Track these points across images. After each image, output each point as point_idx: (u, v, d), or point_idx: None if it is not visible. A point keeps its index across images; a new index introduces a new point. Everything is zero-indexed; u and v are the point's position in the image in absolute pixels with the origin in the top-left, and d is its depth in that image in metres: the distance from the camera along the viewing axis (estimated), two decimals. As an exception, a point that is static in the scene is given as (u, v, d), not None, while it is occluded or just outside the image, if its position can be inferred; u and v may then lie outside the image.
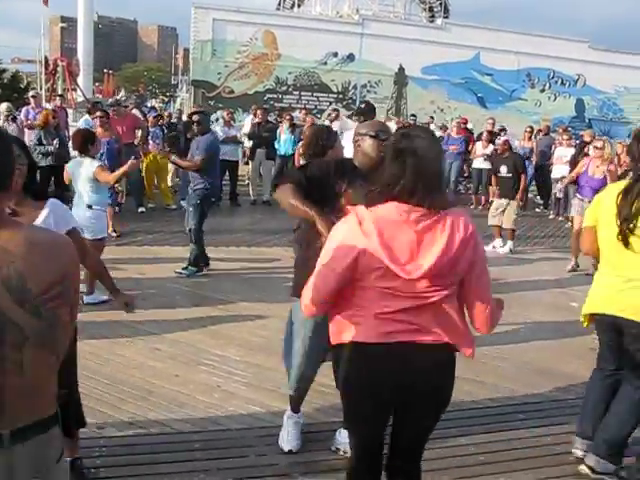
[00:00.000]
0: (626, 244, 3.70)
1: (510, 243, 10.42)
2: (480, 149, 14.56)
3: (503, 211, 10.36)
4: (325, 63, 23.94)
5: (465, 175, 16.76)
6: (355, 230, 2.59)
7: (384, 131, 3.69)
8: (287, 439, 4.13)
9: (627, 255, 3.73)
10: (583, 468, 4.01)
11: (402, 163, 2.58)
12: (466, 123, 17.35)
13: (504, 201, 10.42)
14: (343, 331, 2.75)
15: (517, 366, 5.76)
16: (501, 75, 25.80)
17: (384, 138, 3.51)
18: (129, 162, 7.15)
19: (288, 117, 14.13)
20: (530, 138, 15.55)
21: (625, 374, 3.99)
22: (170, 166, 12.50)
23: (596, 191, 8.11)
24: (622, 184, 3.88)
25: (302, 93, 23.59)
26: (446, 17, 33.83)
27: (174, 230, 10.20)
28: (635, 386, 3.90)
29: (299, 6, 37.03)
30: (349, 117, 8.01)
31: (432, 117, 20.42)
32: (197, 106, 18.50)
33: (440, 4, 37.54)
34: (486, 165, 13.68)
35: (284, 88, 23.60)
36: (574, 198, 9.82)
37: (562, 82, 26.95)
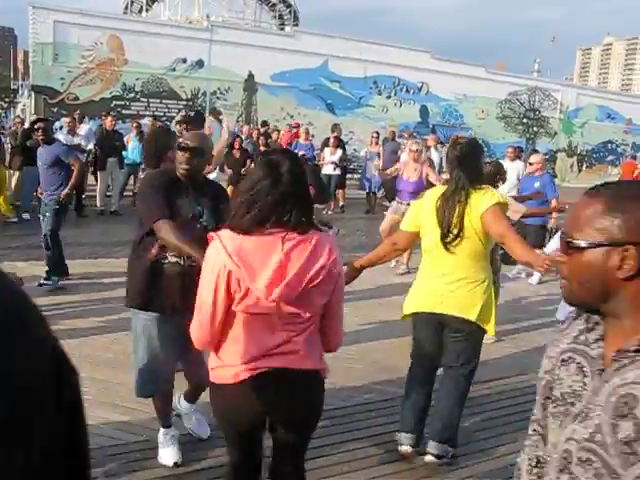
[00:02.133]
0: (447, 248, 3.95)
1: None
2: (328, 156, 14.85)
3: None
4: (174, 69, 23.53)
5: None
6: (220, 255, 2.54)
7: (192, 144, 3.69)
8: (168, 455, 4.06)
9: (449, 257, 3.99)
10: (429, 457, 4.24)
11: (268, 184, 2.55)
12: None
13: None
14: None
15: (366, 365, 5.93)
16: (349, 82, 26.49)
17: (186, 148, 3.63)
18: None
19: (135, 125, 13.79)
20: (377, 143, 16.05)
21: (447, 366, 4.27)
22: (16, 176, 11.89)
23: (413, 194, 8.48)
24: (441, 189, 4.13)
25: (150, 100, 23.02)
26: (296, 24, 34.38)
27: (13, 245, 9.67)
28: (459, 374, 4.19)
29: (147, 11, 36.29)
30: (177, 124, 7.90)
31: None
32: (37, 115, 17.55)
33: (290, 12, 38.11)
34: (336, 172, 13.93)
35: (132, 95, 22.98)
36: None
37: (407, 89, 28.10)
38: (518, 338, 7.21)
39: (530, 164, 9.68)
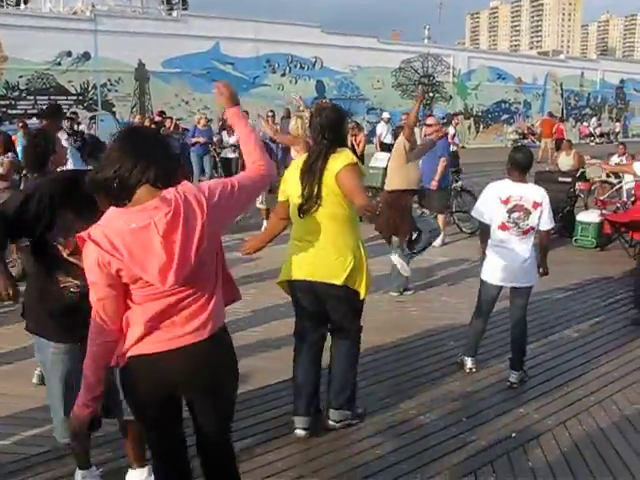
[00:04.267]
0: (308, 213, 4.00)
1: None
2: (227, 138, 14.67)
3: None
4: (59, 64, 22.61)
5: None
6: (98, 255, 2.42)
7: None
8: None
9: (313, 223, 4.01)
10: (330, 423, 4.33)
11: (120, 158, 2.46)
12: None
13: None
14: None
15: (248, 354, 5.82)
16: (242, 63, 26.22)
17: None
18: None
19: (21, 124, 13.23)
20: (273, 122, 15.94)
21: (332, 333, 4.33)
22: None
23: None
24: (304, 157, 4.15)
25: (38, 97, 22.01)
26: (185, 9, 33.65)
27: None
28: (344, 339, 4.27)
29: (26, 2, 34.69)
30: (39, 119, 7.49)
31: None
32: None
33: (178, -4, 37.26)
34: (235, 154, 13.81)
35: (16, 93, 21.99)
36: None
37: (301, 66, 28.06)
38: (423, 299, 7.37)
39: (428, 125, 9.87)
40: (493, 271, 5.20)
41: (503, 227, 5.07)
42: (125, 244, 2.39)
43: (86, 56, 23.01)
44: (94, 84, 23.34)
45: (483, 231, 5.37)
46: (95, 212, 2.65)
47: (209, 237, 2.50)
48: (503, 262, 5.12)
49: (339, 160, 3.97)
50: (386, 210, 7.32)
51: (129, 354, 2.59)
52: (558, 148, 14.02)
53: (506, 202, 5.04)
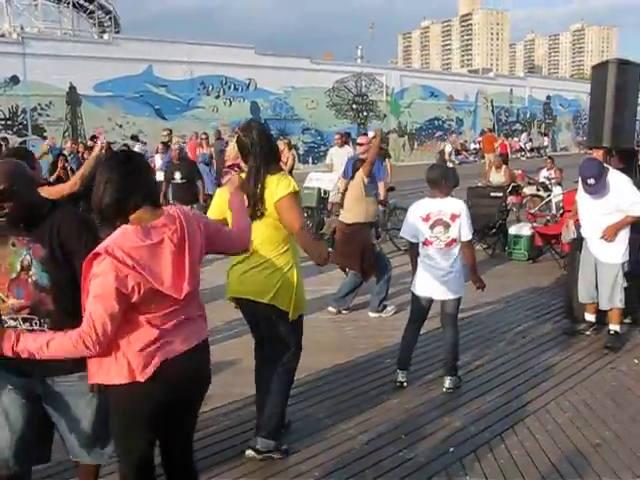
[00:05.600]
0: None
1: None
2: (159, 161, 14.47)
3: None
4: (-14, 88, 22.13)
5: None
6: (116, 270, 2.53)
7: None
8: None
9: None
10: (249, 452, 4.21)
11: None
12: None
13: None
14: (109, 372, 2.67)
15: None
16: (176, 85, 26.10)
17: None
18: None
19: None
20: (208, 144, 15.99)
21: (267, 355, 4.25)
22: None
23: None
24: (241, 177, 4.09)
25: (-36, 122, 21.53)
26: (117, 32, 33.35)
27: None
28: (279, 364, 4.18)
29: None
30: None
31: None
32: None
33: (110, 18, 36.90)
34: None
35: (-59, 119, 21.40)
36: None
37: (235, 87, 28.09)
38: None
39: (360, 144, 9.94)
40: (421, 284, 5.38)
41: (427, 243, 5.30)
42: (142, 259, 2.57)
43: (14, 80, 22.53)
44: (24, 108, 22.86)
45: (412, 249, 5.56)
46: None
47: (202, 249, 2.80)
48: (430, 275, 5.29)
49: (279, 187, 3.92)
50: (343, 244, 7.42)
51: (148, 372, 2.64)
52: (504, 163, 14.38)
53: (427, 219, 5.27)
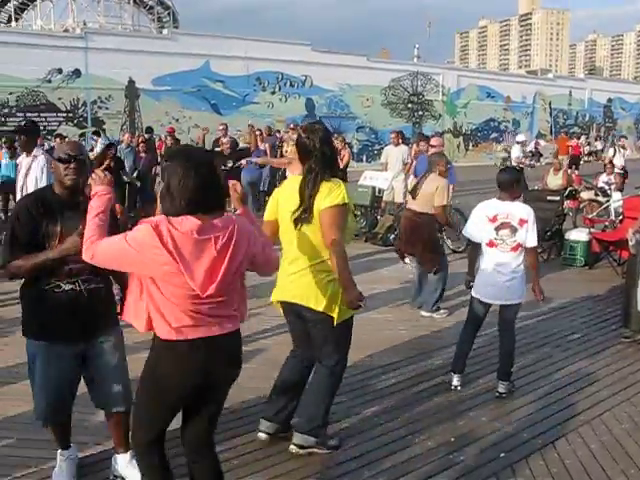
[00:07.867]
0: (297, 234, 3.98)
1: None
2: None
3: None
4: (49, 81, 22.67)
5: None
6: (153, 240, 2.66)
7: (75, 153, 3.50)
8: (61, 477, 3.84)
9: (297, 244, 3.99)
10: (292, 447, 4.22)
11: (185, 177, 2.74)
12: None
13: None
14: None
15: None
16: (232, 81, 26.33)
17: (69, 159, 3.44)
18: None
19: (4, 140, 13.22)
20: (262, 140, 16.10)
21: (315, 355, 4.24)
22: None
23: None
24: (297, 179, 4.07)
25: (28, 114, 22.02)
26: (176, 27, 33.81)
27: None
28: (324, 366, 4.18)
29: (17, 20, 34.78)
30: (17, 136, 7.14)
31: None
32: None
33: (169, 14, 37.43)
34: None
35: (6, 110, 21.98)
36: None
37: (291, 84, 28.21)
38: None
39: (432, 146, 10.02)
40: (484, 288, 5.28)
41: (491, 244, 5.20)
42: (184, 247, 2.69)
43: (76, 73, 23.08)
44: (84, 101, 23.39)
45: (473, 250, 5.46)
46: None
47: (243, 264, 2.91)
48: (493, 279, 5.20)
49: (329, 197, 3.87)
50: (410, 231, 7.38)
51: (167, 337, 2.81)
52: (575, 165, 14.15)
53: (493, 220, 5.18)
